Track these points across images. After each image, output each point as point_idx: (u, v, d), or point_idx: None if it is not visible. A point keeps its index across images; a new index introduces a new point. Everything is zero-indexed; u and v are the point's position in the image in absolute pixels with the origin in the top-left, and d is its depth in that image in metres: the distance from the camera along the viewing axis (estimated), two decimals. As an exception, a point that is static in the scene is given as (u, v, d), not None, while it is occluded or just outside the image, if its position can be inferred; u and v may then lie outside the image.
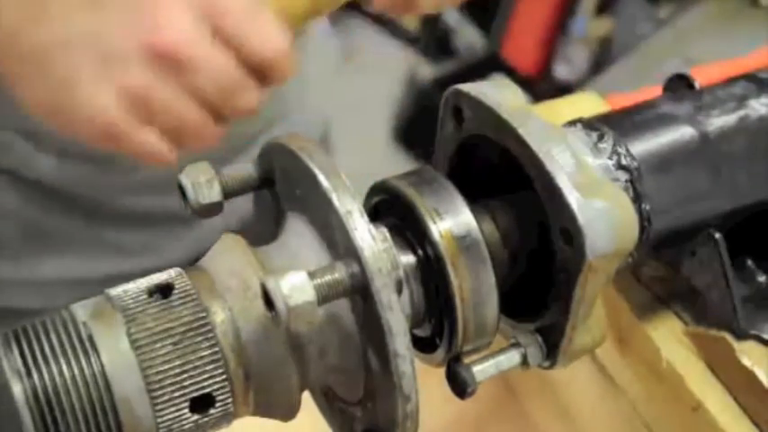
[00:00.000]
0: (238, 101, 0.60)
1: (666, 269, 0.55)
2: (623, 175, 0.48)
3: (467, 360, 0.45)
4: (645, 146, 0.49)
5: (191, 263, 0.93)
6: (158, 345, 0.40)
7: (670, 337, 0.54)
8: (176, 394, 0.40)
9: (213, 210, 0.45)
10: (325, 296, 0.38)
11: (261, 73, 0.60)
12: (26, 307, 0.89)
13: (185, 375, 0.40)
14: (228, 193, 0.46)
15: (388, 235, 0.44)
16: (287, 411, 0.44)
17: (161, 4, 0.57)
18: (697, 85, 0.55)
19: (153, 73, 0.57)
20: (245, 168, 0.46)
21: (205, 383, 0.40)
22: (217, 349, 0.41)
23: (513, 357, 0.45)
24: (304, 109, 0.98)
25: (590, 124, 0.49)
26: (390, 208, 0.46)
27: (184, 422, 0.40)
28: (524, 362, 0.46)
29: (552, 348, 0.46)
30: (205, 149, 0.62)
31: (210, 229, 0.93)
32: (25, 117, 0.65)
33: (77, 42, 0.57)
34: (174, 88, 0.58)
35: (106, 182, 0.87)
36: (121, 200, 0.90)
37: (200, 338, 0.41)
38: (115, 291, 0.42)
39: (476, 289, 0.44)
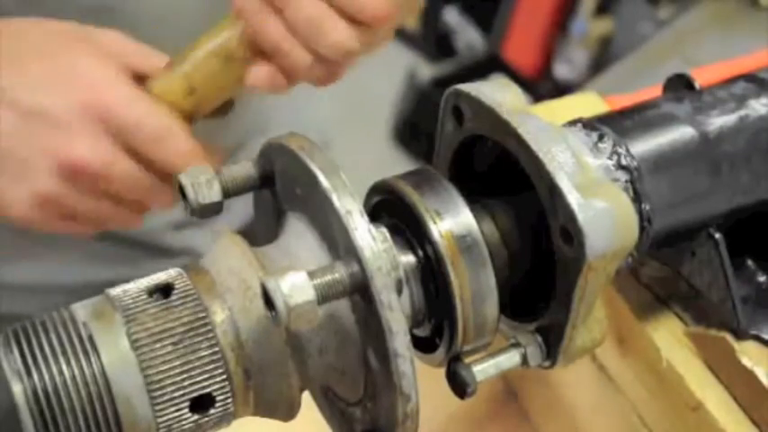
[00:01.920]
0: (151, 203, 0.67)
1: (666, 269, 0.55)
2: (623, 175, 0.48)
3: (467, 360, 0.45)
4: (645, 146, 0.49)
5: None
6: (158, 345, 0.40)
7: (670, 337, 0.54)
8: (176, 394, 0.40)
9: (213, 210, 0.45)
10: (324, 296, 0.38)
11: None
12: (8, 312, 0.89)
13: (185, 375, 0.40)
14: (228, 193, 0.46)
15: (388, 235, 0.44)
16: (287, 411, 0.44)
17: (75, 124, 0.63)
18: (697, 85, 0.55)
19: (62, 183, 0.64)
20: (244, 168, 0.46)
21: (205, 383, 0.41)
22: (217, 349, 0.41)
23: (513, 357, 0.45)
24: (296, 121, 0.99)
25: (590, 124, 0.49)
26: (390, 208, 0.46)
27: (184, 422, 0.40)
28: (524, 362, 0.46)
29: (552, 348, 0.46)
30: None
31: (194, 253, 0.95)
32: None
33: (4, 151, 0.64)
34: (83, 195, 0.65)
35: None
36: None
37: (200, 338, 0.41)
38: (115, 291, 0.42)
39: (476, 289, 0.44)
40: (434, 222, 0.44)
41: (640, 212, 0.48)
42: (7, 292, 0.90)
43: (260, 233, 0.51)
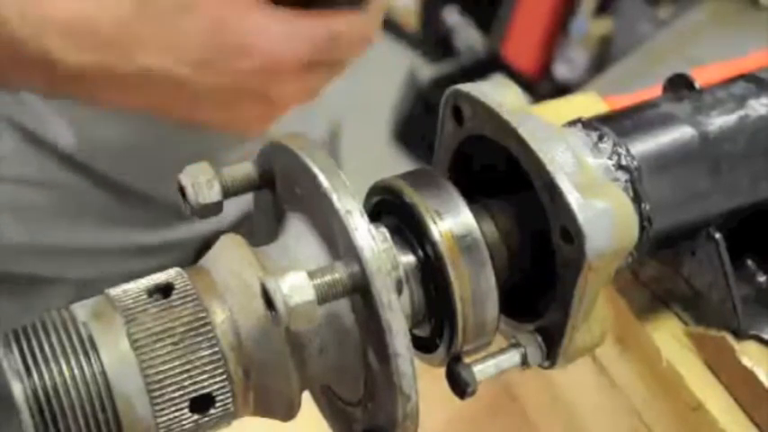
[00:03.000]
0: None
1: (666, 269, 0.55)
2: (623, 175, 0.48)
3: (467, 360, 0.45)
4: (645, 146, 0.49)
5: (201, 243, 0.94)
6: (158, 345, 0.40)
7: (670, 337, 0.54)
8: (176, 394, 0.40)
9: (213, 210, 0.45)
10: (324, 296, 0.38)
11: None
12: (39, 274, 0.90)
13: (185, 375, 0.40)
14: (228, 193, 0.46)
15: (388, 235, 0.44)
16: (287, 411, 0.44)
17: (252, 83, 0.68)
18: (697, 85, 0.55)
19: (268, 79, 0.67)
20: (245, 168, 0.46)
21: (205, 383, 0.41)
22: (217, 349, 0.41)
23: (513, 357, 0.45)
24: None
25: (590, 124, 0.49)
26: (390, 208, 0.46)
27: (184, 422, 0.40)
28: (524, 362, 0.46)
29: (552, 348, 0.46)
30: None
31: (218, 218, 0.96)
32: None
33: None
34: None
35: (118, 160, 0.89)
36: (132, 180, 0.91)
37: (200, 338, 0.41)
38: (115, 291, 0.42)
39: (476, 289, 0.44)
40: (434, 222, 0.44)
41: (640, 212, 0.48)
42: (28, 253, 0.90)
43: (260, 233, 0.51)
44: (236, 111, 0.69)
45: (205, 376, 0.40)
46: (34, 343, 0.39)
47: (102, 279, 0.92)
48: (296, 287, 0.37)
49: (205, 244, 0.97)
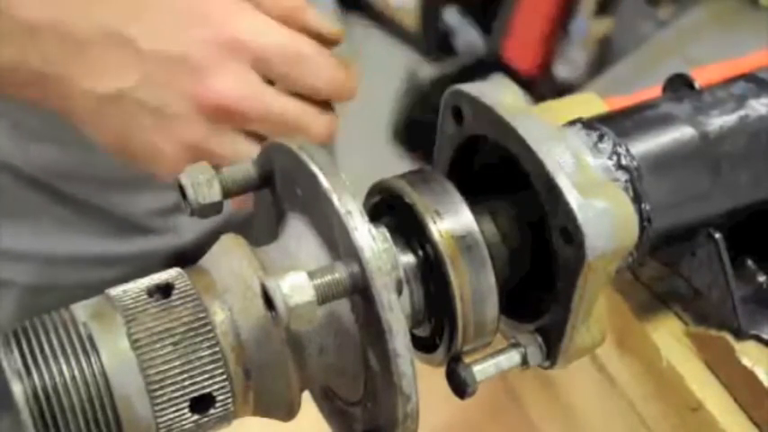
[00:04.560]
0: (311, 128, 0.62)
1: (666, 269, 0.55)
2: (623, 175, 0.48)
3: (467, 360, 0.45)
4: (645, 146, 0.49)
5: (162, 258, 0.92)
6: (158, 345, 0.40)
7: (670, 337, 0.54)
8: (176, 394, 0.40)
9: (213, 209, 0.45)
10: (324, 296, 0.38)
11: (323, 101, 0.62)
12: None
13: (185, 375, 0.40)
14: (228, 193, 0.46)
15: (388, 235, 0.44)
16: (287, 411, 0.44)
17: (209, 62, 0.58)
18: (697, 85, 0.55)
19: (210, 127, 0.59)
20: (245, 168, 0.46)
21: (205, 383, 0.41)
22: (217, 349, 0.41)
23: (513, 357, 0.45)
24: None
25: (590, 124, 0.49)
26: (390, 208, 0.46)
27: (184, 422, 0.40)
28: (524, 362, 0.46)
29: (552, 348, 0.46)
30: None
31: (178, 231, 0.95)
32: None
33: (128, 95, 0.59)
34: (232, 137, 0.60)
35: (68, 171, 0.88)
36: (84, 192, 0.90)
37: (200, 338, 0.41)
38: (115, 291, 0.42)
39: (476, 289, 0.44)
40: (434, 222, 0.44)
41: (640, 212, 0.48)
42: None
43: (260, 233, 0.51)
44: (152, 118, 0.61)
45: (205, 376, 0.40)
46: (34, 343, 0.39)
47: (55, 287, 0.91)
48: (296, 287, 0.37)
49: (170, 259, 0.96)
